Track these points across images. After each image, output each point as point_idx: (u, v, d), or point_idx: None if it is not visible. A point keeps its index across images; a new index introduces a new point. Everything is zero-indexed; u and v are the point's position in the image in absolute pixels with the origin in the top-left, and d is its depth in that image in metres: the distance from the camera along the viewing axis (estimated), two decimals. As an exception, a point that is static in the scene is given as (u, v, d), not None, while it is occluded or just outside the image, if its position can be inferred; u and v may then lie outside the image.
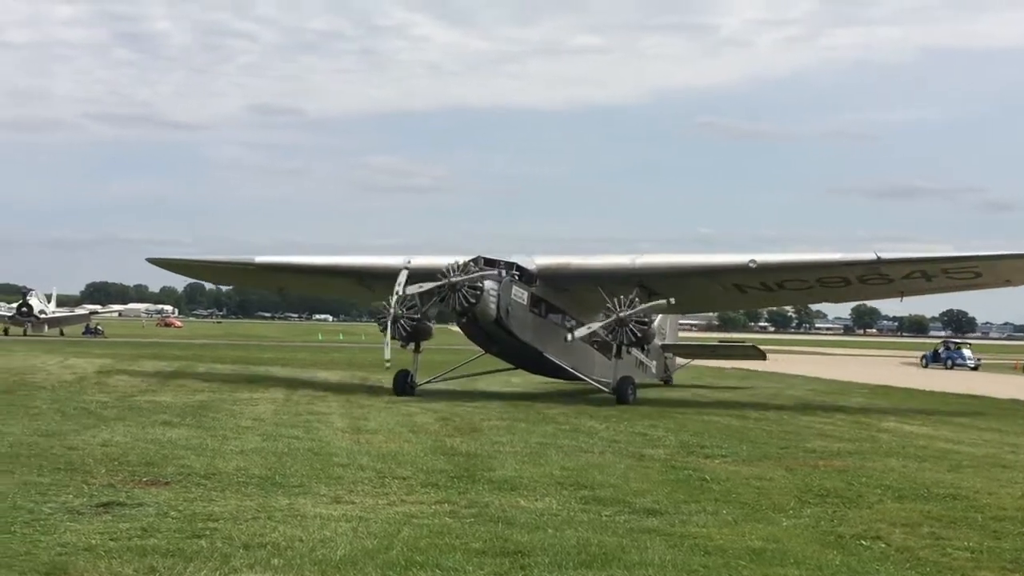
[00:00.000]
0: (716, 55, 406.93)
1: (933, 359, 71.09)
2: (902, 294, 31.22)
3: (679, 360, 42.12)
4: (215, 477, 14.01)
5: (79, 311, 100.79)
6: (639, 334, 28.94)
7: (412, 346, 30.75)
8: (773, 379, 46.18)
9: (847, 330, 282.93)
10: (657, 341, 36.95)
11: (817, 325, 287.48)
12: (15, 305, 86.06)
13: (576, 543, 10.54)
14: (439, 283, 28.03)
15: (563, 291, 31.17)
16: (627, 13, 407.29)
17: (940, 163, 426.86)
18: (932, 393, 39.59)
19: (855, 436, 22.12)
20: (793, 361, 66.16)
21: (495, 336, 29.83)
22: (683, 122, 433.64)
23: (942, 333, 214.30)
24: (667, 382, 40.00)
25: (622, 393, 29.35)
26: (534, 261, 30.66)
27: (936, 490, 14.75)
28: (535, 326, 30.21)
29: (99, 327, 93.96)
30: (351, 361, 50.54)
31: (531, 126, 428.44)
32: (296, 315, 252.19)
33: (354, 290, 35.52)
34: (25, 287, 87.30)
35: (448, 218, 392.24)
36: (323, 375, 39.21)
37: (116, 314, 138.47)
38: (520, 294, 29.52)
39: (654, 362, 37.70)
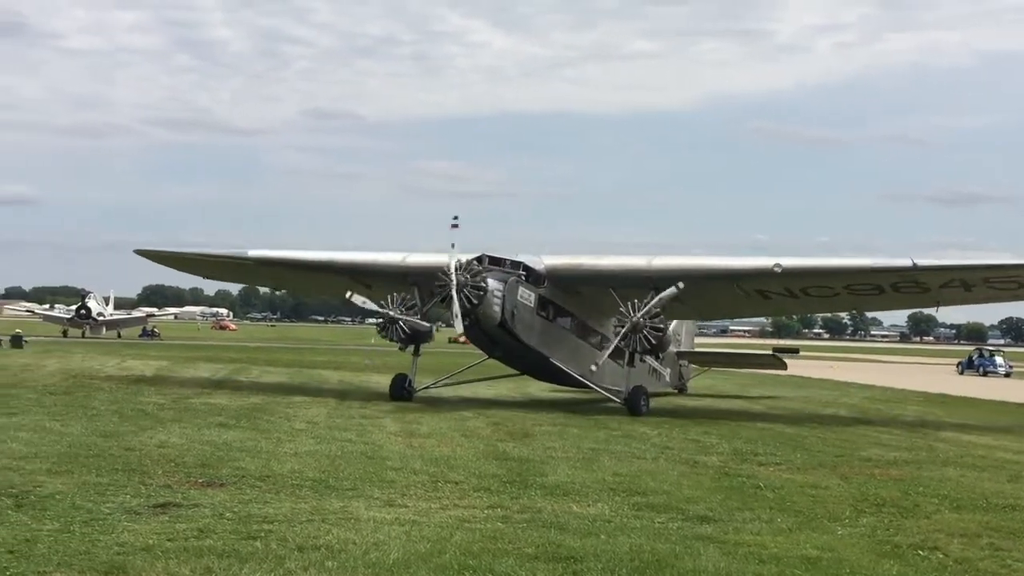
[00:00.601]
0: (771, 60, 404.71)
1: (968, 366, 72.81)
2: (938, 304, 29.58)
3: (693, 367, 39.94)
4: (270, 479, 14.12)
5: (136, 314, 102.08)
6: (654, 341, 27.30)
7: (411, 349, 29.36)
8: (827, 387, 45.76)
9: (903, 337, 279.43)
10: (672, 348, 35.00)
11: (872, 332, 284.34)
12: (74, 307, 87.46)
13: (629, 550, 10.50)
14: (440, 281, 26.37)
15: (573, 294, 29.61)
16: (682, 19, 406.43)
17: (1001, 169, 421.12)
18: (990, 402, 39.02)
19: (912, 445, 21.86)
20: (847, 369, 65.56)
21: (499, 340, 28.06)
22: (737, 128, 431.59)
23: (1000, 341, 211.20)
24: (681, 391, 37.99)
25: (634, 403, 27.42)
26: (542, 261, 29.07)
27: (995, 500, 14.54)
28: (542, 330, 28.52)
29: (155, 329, 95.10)
30: (403, 365, 50.64)
31: (586, 131, 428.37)
32: (349, 319, 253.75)
33: (351, 287, 32.40)
34: (84, 290, 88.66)
35: (502, 223, 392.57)
36: (376, 379, 39.36)
37: (172, 317, 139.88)
38: (527, 296, 27.90)
39: (668, 370, 35.40)
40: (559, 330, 29.19)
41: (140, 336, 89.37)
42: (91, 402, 24.59)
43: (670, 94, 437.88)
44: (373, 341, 68.29)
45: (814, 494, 14.58)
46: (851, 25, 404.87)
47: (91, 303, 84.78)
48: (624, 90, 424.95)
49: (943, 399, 40.13)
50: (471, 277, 26.15)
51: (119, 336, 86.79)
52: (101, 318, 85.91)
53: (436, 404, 27.56)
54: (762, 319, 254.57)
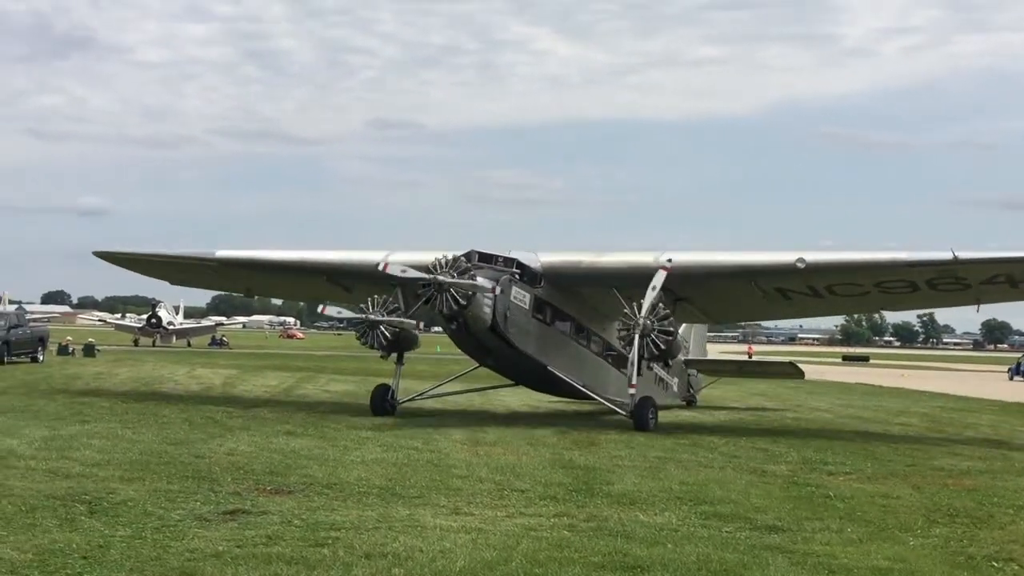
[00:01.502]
0: (838, 65, 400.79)
1: (1016, 371, 71.86)
2: (979, 302, 26.44)
3: (702, 377, 36.27)
4: (337, 487, 14.22)
5: (205, 323, 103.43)
6: (663, 346, 24.23)
7: (394, 357, 26.38)
8: (898, 395, 45.10)
9: (976, 345, 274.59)
10: (680, 356, 31.59)
11: (944, 340, 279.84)
12: (145, 317, 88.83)
13: (696, 559, 10.41)
14: (424, 279, 23.48)
15: (573, 294, 26.84)
16: (747, 24, 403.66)
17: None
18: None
19: (986, 454, 21.43)
20: (919, 377, 64.58)
21: (490, 346, 25.18)
22: (804, 133, 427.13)
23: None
24: (690, 403, 34.51)
25: (640, 417, 24.31)
26: (538, 258, 26.25)
27: (1073, 511, 14.20)
28: (539, 335, 25.64)
29: (224, 338, 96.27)
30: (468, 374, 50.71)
31: (651, 138, 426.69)
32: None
33: (327, 290, 30.27)
34: (154, 299, 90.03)
35: (565, 232, 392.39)
36: (482, 384, 39.36)
37: (241, 326, 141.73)
38: (521, 296, 25.03)
39: (675, 380, 32.73)
40: (557, 335, 26.43)
41: (209, 345, 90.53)
42: (161, 410, 24.95)
43: (736, 100, 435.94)
44: (439, 349, 68.61)
45: (885, 504, 14.36)
46: (919, 28, 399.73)
47: (161, 312, 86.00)
48: (689, 96, 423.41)
49: (1021, 408, 39.32)
50: (458, 275, 23.42)
51: (189, 345, 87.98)
52: (171, 327, 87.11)
53: (510, 418, 27.50)
54: (831, 326, 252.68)
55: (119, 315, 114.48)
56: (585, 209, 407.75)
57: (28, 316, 57.42)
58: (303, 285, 31.90)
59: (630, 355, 24.40)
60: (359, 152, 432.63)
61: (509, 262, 25.39)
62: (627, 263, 26.10)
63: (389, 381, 26.55)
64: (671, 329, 24.34)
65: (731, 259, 25.73)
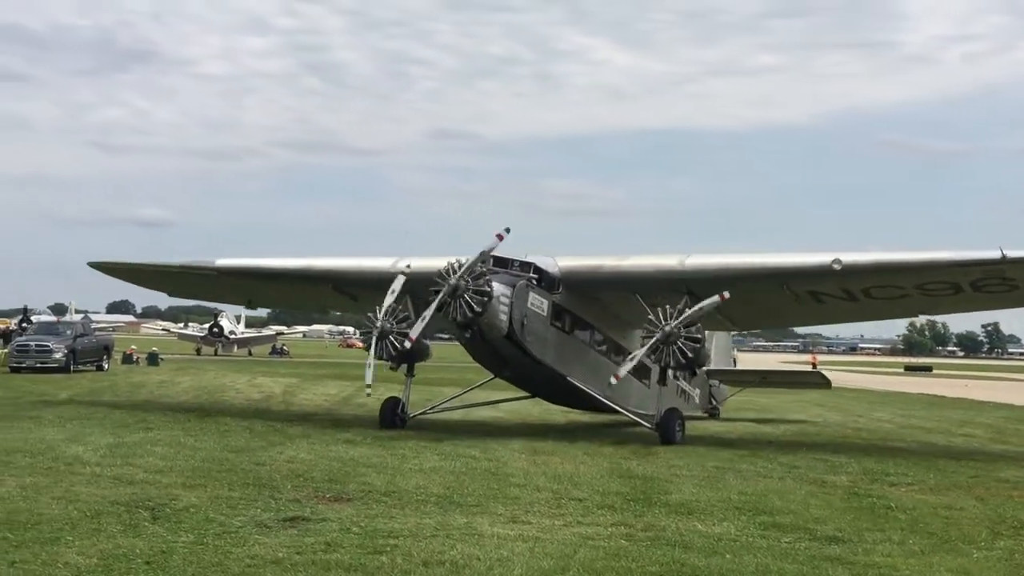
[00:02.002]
0: (899, 72, 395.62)
1: None
2: None
3: (724, 388, 34.27)
4: (395, 495, 14.31)
5: (266, 332, 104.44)
6: (690, 354, 22.74)
7: (404, 368, 25.26)
8: (962, 406, 44.42)
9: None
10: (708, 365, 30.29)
11: (1010, 350, 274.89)
12: (207, 326, 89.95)
13: (755, 570, 10.35)
14: (436, 288, 22.32)
15: (592, 300, 25.52)
16: (806, 32, 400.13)
17: None
18: None
19: (1052, 466, 21.05)
20: (983, 387, 63.56)
21: (507, 355, 23.81)
22: (863, 141, 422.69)
23: None
24: (713, 415, 32.65)
25: (668, 430, 23.21)
26: (556, 263, 24.87)
27: None
28: (557, 343, 24.33)
29: (285, 347, 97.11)
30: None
31: (709, 147, 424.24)
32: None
33: (333, 299, 29.29)
34: (216, 309, 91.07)
35: (622, 241, 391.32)
36: (497, 396, 39.47)
37: (301, 335, 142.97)
38: (539, 303, 23.71)
39: (697, 390, 31.03)
40: (577, 343, 25.16)
41: (270, 354, 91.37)
42: (223, 418, 25.25)
43: (794, 108, 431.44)
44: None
45: (948, 515, 14.16)
46: (982, 35, 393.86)
47: (223, 322, 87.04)
48: (747, 105, 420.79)
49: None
50: (472, 280, 22.21)
51: (250, 354, 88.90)
52: (232, 336, 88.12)
53: (568, 427, 27.47)
54: (893, 336, 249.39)
55: (182, 324, 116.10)
56: (642, 218, 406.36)
57: (94, 325, 58.33)
58: (309, 294, 30.83)
59: (656, 364, 23.48)
60: (417, 162, 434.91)
61: (526, 267, 24.17)
62: (651, 267, 24.66)
63: (399, 393, 25.65)
64: (699, 336, 22.91)
65: (763, 261, 24.04)
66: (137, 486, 14.42)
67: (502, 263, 23.66)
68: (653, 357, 23.15)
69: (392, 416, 24.57)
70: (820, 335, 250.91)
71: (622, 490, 15.48)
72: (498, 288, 22.54)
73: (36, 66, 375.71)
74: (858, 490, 16.42)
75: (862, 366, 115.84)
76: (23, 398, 30.34)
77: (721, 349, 34.71)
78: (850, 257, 22.75)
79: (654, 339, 22.66)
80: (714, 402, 33.15)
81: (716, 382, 33.25)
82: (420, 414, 25.89)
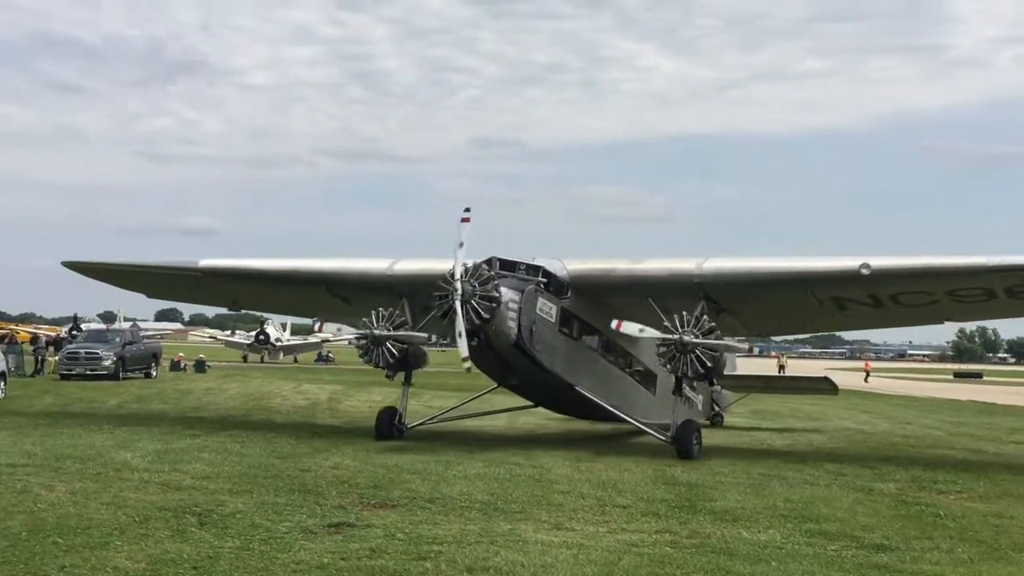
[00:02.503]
0: (947, 76, 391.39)
1: None
2: None
3: (727, 395, 32.16)
4: (439, 501, 14.35)
5: (312, 339, 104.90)
6: (709, 364, 21.46)
7: (401, 376, 24.20)
8: (1014, 413, 43.83)
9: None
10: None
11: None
12: (253, 333, 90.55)
13: (801, 577, 10.28)
14: (442, 294, 21.04)
15: (601, 305, 23.96)
16: (854, 36, 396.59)
17: None
18: None
19: (1105, 474, 20.71)
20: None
21: (514, 364, 22.51)
22: (912, 146, 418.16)
23: None
24: (715, 423, 30.86)
25: (685, 443, 21.55)
26: (564, 266, 23.59)
27: None
28: (566, 351, 23.10)
29: (330, 354, 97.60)
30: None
31: (756, 153, 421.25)
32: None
33: (325, 302, 27.89)
34: (262, 316, 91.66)
35: (668, 247, 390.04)
36: (497, 405, 39.35)
37: (347, 342, 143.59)
38: (548, 308, 22.48)
39: (700, 396, 28.52)
40: (586, 351, 23.92)
41: (316, 361, 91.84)
42: (269, 425, 25.43)
43: (843, 113, 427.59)
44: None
45: (998, 524, 13.99)
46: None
47: (269, 329, 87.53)
48: (794, 110, 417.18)
49: None
50: (480, 285, 20.93)
51: (296, 361, 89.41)
52: (278, 344, 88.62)
53: (610, 434, 27.38)
54: (942, 342, 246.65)
55: (229, 332, 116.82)
56: (687, 224, 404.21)
57: (142, 333, 58.94)
58: (300, 296, 29.04)
59: (672, 373, 21.99)
60: (461, 170, 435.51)
61: (534, 270, 22.82)
62: (667, 271, 23.26)
63: (396, 403, 24.58)
64: (718, 344, 21.78)
65: (787, 265, 22.92)
66: (184, 492, 14.57)
67: (509, 266, 22.57)
68: (669, 366, 21.80)
69: (389, 427, 23.40)
70: (868, 341, 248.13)
71: (666, 497, 15.43)
72: (507, 294, 21.37)
73: (89, 77, 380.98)
74: (906, 498, 16.26)
75: (911, 373, 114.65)
76: (73, 405, 30.73)
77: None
78: (879, 262, 21.80)
79: (670, 347, 21.41)
80: (716, 408, 31.44)
81: (718, 388, 30.63)
82: (418, 425, 24.46)
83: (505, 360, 22.35)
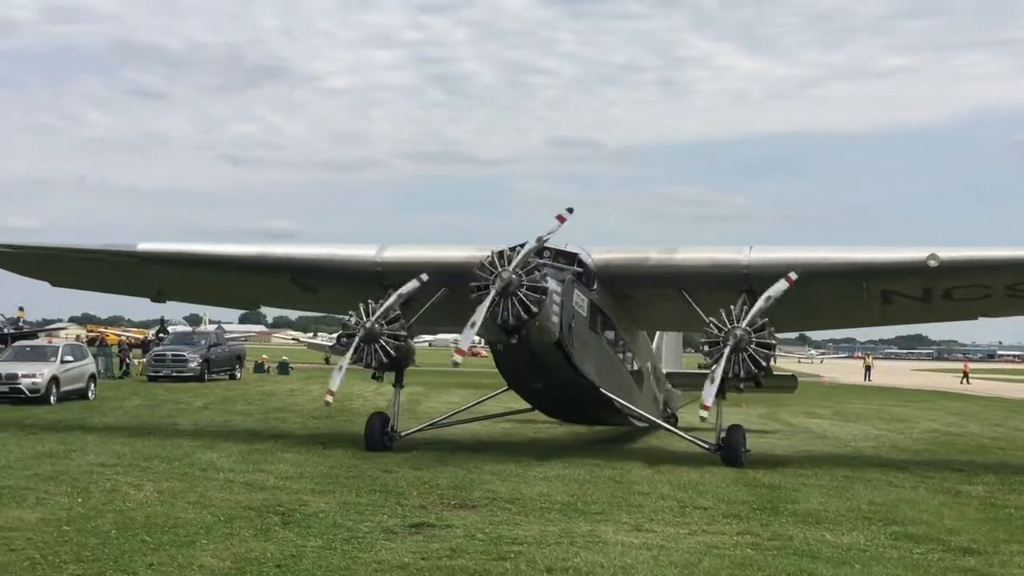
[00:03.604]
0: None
1: None
2: None
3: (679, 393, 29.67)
4: (519, 502, 14.39)
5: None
6: (764, 363, 19.37)
7: (392, 377, 21.93)
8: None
9: None
10: (662, 367, 27.79)
11: None
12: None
13: (885, 580, 10.13)
14: (481, 284, 18.37)
15: (624, 299, 22.05)
16: (937, 32, 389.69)
17: None
18: None
19: None
20: None
21: (547, 365, 19.79)
22: (999, 142, 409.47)
23: None
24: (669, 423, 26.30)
25: (734, 453, 19.74)
26: (590, 254, 21.29)
27: None
28: (594, 350, 21.01)
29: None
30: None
31: (837, 151, 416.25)
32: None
33: (287, 293, 24.60)
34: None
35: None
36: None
37: (427, 344, 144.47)
38: (581, 302, 20.22)
39: (662, 395, 27.23)
40: (605, 349, 21.91)
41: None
42: (351, 426, 25.67)
43: (927, 110, 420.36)
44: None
45: (1091, 527, 13.65)
46: None
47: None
48: (875, 108, 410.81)
49: None
50: (526, 275, 18.39)
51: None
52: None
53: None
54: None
55: (311, 334, 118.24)
56: (765, 224, 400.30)
57: (227, 335, 59.88)
58: (259, 288, 25.33)
59: (711, 372, 19.44)
60: (539, 171, 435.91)
61: (569, 257, 20.41)
62: (710, 261, 21.24)
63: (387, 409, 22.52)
64: (771, 343, 19.69)
65: (847, 256, 21.03)
66: (268, 491, 14.80)
67: (540, 252, 19.69)
68: (716, 365, 19.25)
69: (380, 436, 20.83)
70: (956, 342, 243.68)
71: (748, 499, 15.29)
72: (551, 284, 18.96)
73: (172, 84, 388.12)
74: (995, 500, 15.94)
75: (1000, 374, 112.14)
76: (160, 406, 31.32)
77: (672, 351, 31.48)
78: (948, 253, 20.16)
79: (726, 345, 19.18)
80: (669, 409, 28.63)
81: (669, 385, 28.98)
82: (412, 432, 21.94)
83: (538, 361, 19.66)
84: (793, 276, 19.62)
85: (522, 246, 18.65)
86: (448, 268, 20.96)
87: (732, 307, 19.62)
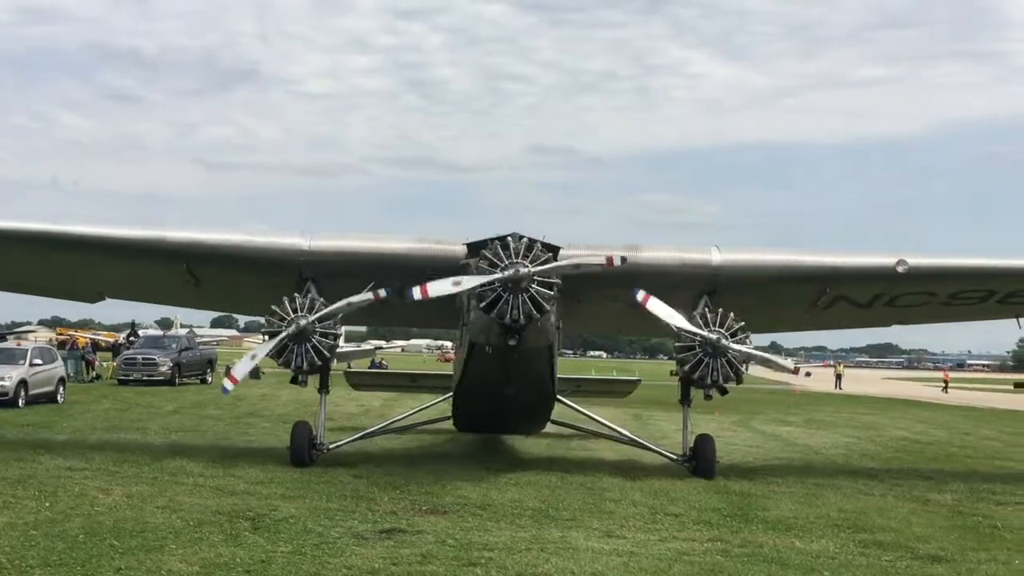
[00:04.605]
0: (1009, 82, 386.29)
1: None
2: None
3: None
4: (490, 508, 14.37)
5: (365, 347, 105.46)
6: (742, 370, 18.46)
7: (315, 381, 19.51)
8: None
9: None
10: None
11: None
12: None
13: (854, 587, 10.18)
14: (489, 279, 16.29)
15: (571, 298, 18.69)
16: (912, 43, 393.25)
17: None
18: None
19: None
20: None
21: (532, 370, 18.25)
22: (973, 154, 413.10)
23: None
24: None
25: (707, 463, 19.01)
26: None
27: None
28: (556, 355, 19.22)
29: (383, 362, 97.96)
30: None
31: (811, 161, 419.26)
32: (570, 351, 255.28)
33: (172, 283, 20.97)
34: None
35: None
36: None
37: (400, 349, 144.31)
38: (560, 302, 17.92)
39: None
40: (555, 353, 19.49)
41: (369, 368, 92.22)
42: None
43: (901, 121, 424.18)
44: (615, 373, 68.36)
45: (1057, 535, 13.77)
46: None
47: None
48: (850, 118, 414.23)
49: None
50: (535, 270, 16.39)
51: (349, 367, 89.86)
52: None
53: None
54: (1003, 352, 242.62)
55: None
56: (742, 232, 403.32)
57: (198, 339, 59.60)
58: (146, 272, 21.05)
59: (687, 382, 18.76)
60: (515, 178, 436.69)
61: (552, 250, 17.46)
62: (679, 261, 19.66)
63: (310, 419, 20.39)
64: (753, 352, 18.70)
65: (818, 260, 20.31)
66: (238, 496, 14.72)
67: (528, 246, 17.14)
68: (696, 373, 18.24)
69: (309, 449, 18.76)
70: (926, 351, 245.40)
71: (719, 506, 15.33)
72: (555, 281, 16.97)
73: (147, 87, 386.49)
74: (963, 509, 16.05)
75: (970, 383, 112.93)
76: (130, 410, 31.13)
77: None
78: (916, 260, 19.89)
79: (695, 351, 18.16)
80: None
81: None
82: (340, 445, 19.66)
83: (527, 364, 17.87)
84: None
85: (502, 238, 16.93)
86: (381, 261, 18.94)
87: (706, 311, 18.81)
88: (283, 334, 17.96)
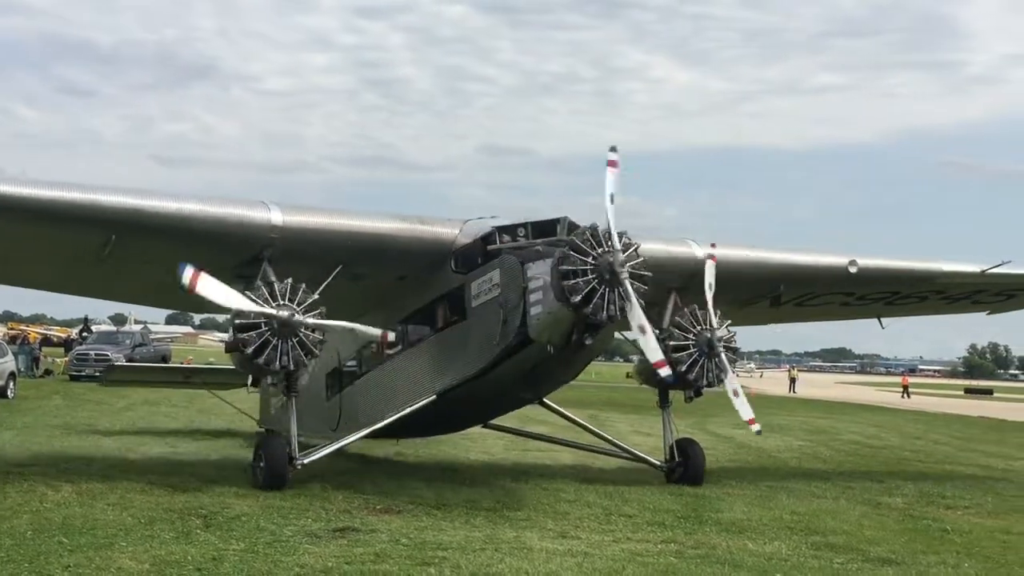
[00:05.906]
0: (963, 92, 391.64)
1: None
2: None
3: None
4: (445, 507, 14.32)
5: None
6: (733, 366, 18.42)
7: (279, 385, 16.77)
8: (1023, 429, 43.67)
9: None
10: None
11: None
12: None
13: (806, 589, 10.23)
14: (587, 267, 14.24)
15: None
16: (870, 52, 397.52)
17: None
18: None
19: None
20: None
21: (572, 372, 16.98)
22: (928, 161, 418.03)
23: None
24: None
25: (697, 469, 18.45)
26: None
27: None
28: None
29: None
30: (615, 400, 50.69)
31: (769, 166, 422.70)
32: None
33: (76, 258, 16.55)
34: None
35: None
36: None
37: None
38: None
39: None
40: None
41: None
42: (277, 429, 25.38)
43: (858, 128, 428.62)
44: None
45: (1005, 540, 13.92)
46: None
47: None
48: (811, 124, 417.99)
49: None
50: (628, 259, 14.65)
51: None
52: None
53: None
54: (954, 358, 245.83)
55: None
56: (698, 235, 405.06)
57: (152, 336, 59.04)
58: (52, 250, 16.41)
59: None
60: (473, 178, 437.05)
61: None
62: (666, 254, 18.72)
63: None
64: (737, 347, 18.53)
65: (782, 259, 20.38)
66: (190, 494, 14.57)
67: (550, 228, 16.15)
68: (691, 373, 17.79)
69: (282, 463, 15.71)
70: (878, 356, 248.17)
71: (673, 507, 15.38)
72: None
73: (104, 81, 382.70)
74: (913, 512, 16.20)
75: (922, 388, 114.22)
76: (82, 406, 30.77)
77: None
78: (866, 261, 20.55)
79: (691, 349, 17.87)
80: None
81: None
82: (315, 459, 16.37)
83: (575, 365, 16.61)
84: (716, 254, 18.35)
85: (556, 221, 15.85)
86: (357, 242, 16.88)
87: (695, 307, 18.19)
88: (263, 330, 15.31)
